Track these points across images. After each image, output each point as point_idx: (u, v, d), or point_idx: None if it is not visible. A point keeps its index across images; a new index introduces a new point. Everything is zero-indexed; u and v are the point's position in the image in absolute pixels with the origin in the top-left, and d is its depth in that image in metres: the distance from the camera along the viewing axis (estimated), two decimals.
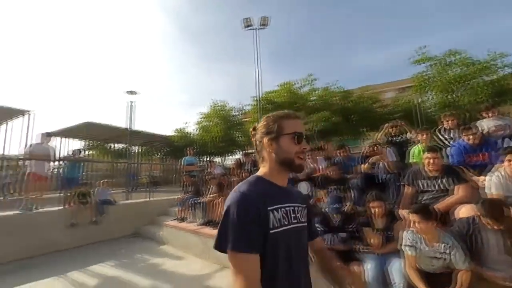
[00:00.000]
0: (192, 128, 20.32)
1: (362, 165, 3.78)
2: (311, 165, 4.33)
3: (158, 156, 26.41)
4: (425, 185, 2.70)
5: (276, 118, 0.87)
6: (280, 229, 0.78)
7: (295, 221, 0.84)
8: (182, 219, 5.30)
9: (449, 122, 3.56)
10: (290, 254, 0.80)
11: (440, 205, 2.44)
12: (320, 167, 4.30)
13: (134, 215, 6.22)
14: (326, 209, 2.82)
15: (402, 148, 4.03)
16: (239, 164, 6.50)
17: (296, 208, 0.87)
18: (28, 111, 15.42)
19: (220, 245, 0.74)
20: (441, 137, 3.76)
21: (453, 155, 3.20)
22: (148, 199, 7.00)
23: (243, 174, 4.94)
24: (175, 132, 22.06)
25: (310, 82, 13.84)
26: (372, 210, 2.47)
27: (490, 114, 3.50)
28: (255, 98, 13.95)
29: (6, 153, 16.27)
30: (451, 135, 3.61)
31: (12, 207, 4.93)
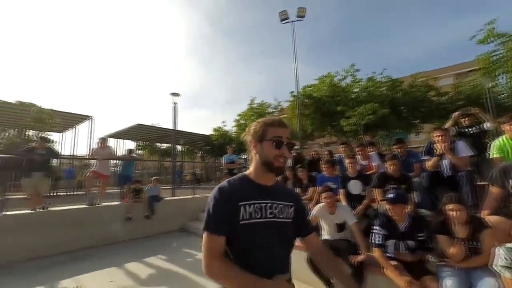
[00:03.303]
0: (230, 126, 20.82)
1: (427, 162, 3.27)
2: (362, 162, 3.92)
3: (199, 155, 27.78)
4: None
5: (263, 124, 0.99)
6: (250, 221, 0.91)
7: (271, 215, 0.96)
8: None
9: None
10: (262, 243, 0.92)
11: None
12: (374, 164, 3.86)
13: (180, 211, 6.53)
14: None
15: (479, 140, 3.37)
16: None
17: (275, 204, 0.98)
18: (91, 116, 17.53)
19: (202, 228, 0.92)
20: None
21: None
22: (192, 196, 7.28)
23: (287, 172, 4.73)
24: (213, 131, 22.90)
25: (352, 73, 12.88)
26: (451, 215, 2.05)
27: None
28: (293, 94, 13.55)
29: (74, 154, 18.78)
30: None
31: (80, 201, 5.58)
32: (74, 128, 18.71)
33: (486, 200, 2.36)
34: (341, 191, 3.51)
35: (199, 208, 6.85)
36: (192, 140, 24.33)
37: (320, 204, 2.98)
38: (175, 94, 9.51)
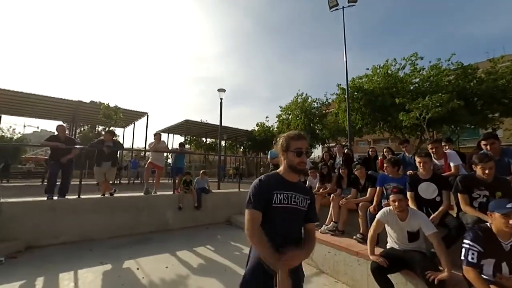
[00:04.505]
0: (272, 122, 20.69)
1: None
2: (437, 162, 3.34)
3: (241, 150, 28.44)
4: None
5: (287, 138, 1.35)
6: (280, 205, 1.28)
7: (294, 203, 1.32)
8: None
9: None
10: (285, 222, 1.30)
11: None
12: (452, 164, 3.25)
13: (226, 204, 6.67)
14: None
15: None
16: (329, 158, 5.91)
17: (297, 196, 1.33)
18: (147, 112, 19.34)
19: (245, 205, 1.31)
20: None
21: None
22: (237, 189, 7.38)
23: (341, 170, 4.37)
24: (256, 126, 23.06)
25: (413, 61, 11.32)
26: None
27: None
28: (341, 86, 12.62)
29: (133, 147, 21.01)
30: None
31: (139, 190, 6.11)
32: (133, 124, 20.93)
33: None
34: (409, 194, 3.03)
35: (243, 202, 6.89)
36: (234, 136, 25.00)
37: (388, 208, 2.60)
38: (221, 90, 9.74)
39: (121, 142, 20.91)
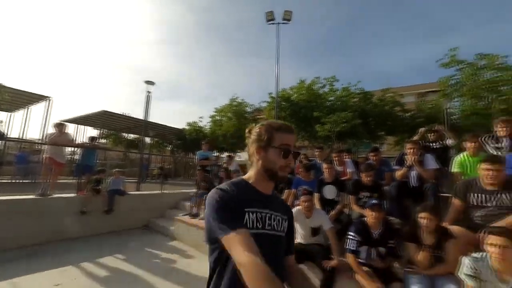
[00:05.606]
0: (205, 122, 20.30)
1: (397, 171, 3.44)
2: (338, 168, 4.00)
3: (169, 149, 26.58)
4: (480, 199, 2.34)
5: (269, 128, 0.89)
6: (253, 231, 0.79)
7: (269, 227, 0.87)
8: (195, 215, 5.11)
9: (505, 128, 3.14)
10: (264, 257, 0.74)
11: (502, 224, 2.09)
12: (348, 170, 3.96)
13: (145, 207, 6.09)
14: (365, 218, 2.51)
15: (442, 155, 3.65)
16: None
17: (273, 216, 0.90)
18: (48, 97, 15.73)
19: (209, 238, 0.82)
20: (488, 147, 3.34)
21: None
22: (160, 191, 6.86)
23: None
24: (187, 125, 22.09)
25: (331, 82, 13.38)
26: (421, 222, 2.14)
27: None
28: (271, 95, 13.62)
29: (24, 137, 16.71)
30: (503, 144, 3.20)
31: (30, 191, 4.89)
32: (26, 108, 16.63)
33: (449, 211, 2.53)
34: (316, 195, 3.53)
35: (167, 204, 6.47)
36: (163, 133, 23.17)
37: (297, 208, 2.95)
38: (149, 83, 8.92)
39: (4, 130, 16.25)
